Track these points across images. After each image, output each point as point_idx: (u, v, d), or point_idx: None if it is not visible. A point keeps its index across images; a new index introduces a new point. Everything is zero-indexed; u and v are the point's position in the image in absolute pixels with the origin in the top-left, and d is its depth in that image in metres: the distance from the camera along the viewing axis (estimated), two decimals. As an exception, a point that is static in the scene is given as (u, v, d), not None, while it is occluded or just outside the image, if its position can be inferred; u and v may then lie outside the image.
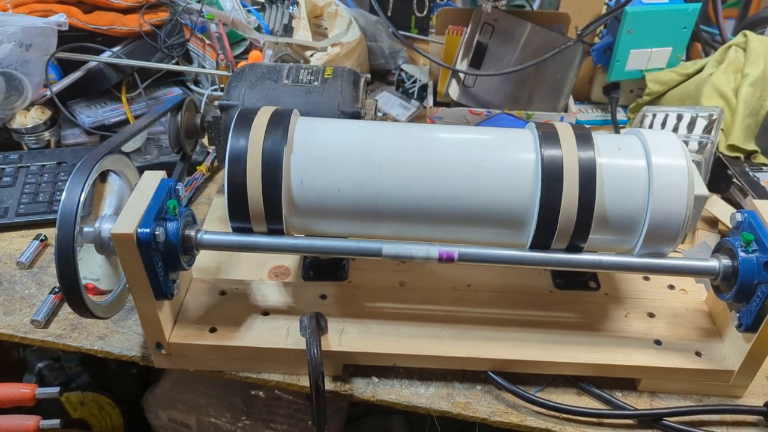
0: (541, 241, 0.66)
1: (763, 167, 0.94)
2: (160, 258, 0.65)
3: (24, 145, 1.02)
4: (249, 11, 1.11)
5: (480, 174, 0.66)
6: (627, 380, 0.72)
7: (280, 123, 0.67)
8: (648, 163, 0.65)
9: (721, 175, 0.96)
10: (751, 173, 0.92)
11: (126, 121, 1.04)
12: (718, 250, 0.68)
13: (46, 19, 0.97)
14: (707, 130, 0.87)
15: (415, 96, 1.17)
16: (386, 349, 0.71)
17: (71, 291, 0.63)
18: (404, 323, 0.74)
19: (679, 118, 0.89)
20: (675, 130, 0.89)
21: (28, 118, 1.02)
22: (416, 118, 1.16)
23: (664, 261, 0.66)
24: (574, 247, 0.66)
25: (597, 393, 0.71)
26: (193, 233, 0.67)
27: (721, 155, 0.96)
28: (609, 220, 0.65)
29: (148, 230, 0.62)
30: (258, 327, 0.73)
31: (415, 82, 1.18)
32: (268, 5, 1.11)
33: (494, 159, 0.66)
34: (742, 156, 0.95)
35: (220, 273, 0.82)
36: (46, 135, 1.02)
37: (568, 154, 0.64)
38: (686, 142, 0.87)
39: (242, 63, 1.06)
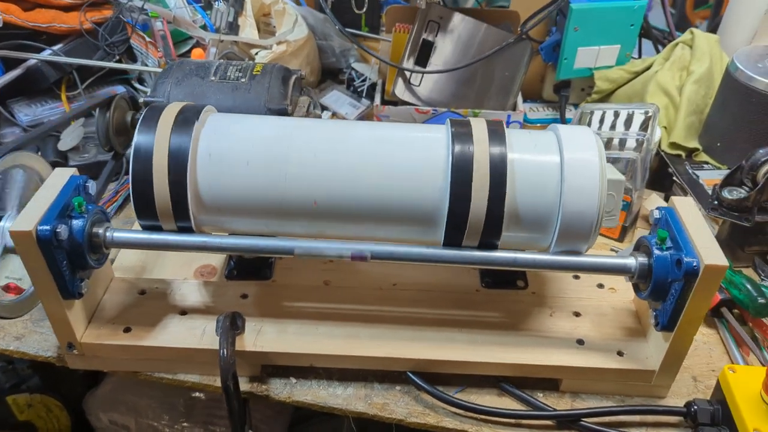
0: (453, 239, 0.65)
1: (705, 165, 0.92)
2: (65, 256, 0.64)
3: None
4: (195, 9, 1.10)
5: (391, 171, 0.64)
6: (550, 381, 0.71)
7: (188, 119, 0.66)
8: (561, 158, 0.63)
9: (663, 174, 0.95)
10: (691, 171, 0.91)
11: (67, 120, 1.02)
12: (637, 248, 0.67)
13: (-21, 17, 0.95)
14: (643, 127, 0.86)
15: (364, 95, 1.16)
16: (302, 349, 0.70)
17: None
18: (324, 323, 0.73)
19: (616, 115, 0.88)
20: (613, 127, 0.88)
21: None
22: (365, 117, 1.14)
23: (579, 258, 0.65)
24: (488, 245, 0.65)
25: (517, 393, 0.70)
26: (101, 231, 0.66)
27: (663, 153, 0.95)
28: (521, 216, 0.64)
29: (48, 228, 0.61)
30: (174, 327, 0.72)
31: (365, 80, 1.17)
32: (214, 2, 1.09)
33: (406, 156, 0.65)
34: (683, 154, 0.94)
35: (145, 272, 0.80)
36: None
37: (479, 151, 0.63)
38: (624, 140, 0.86)
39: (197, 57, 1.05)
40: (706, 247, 0.60)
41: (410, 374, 0.71)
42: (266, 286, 0.77)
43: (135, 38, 1.07)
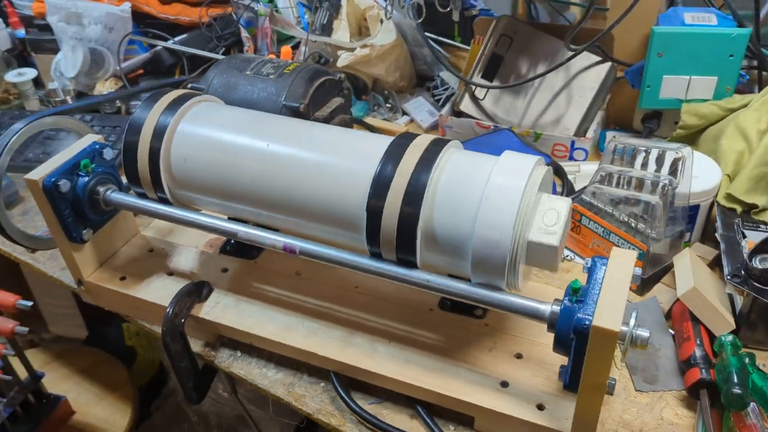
0: (374, 249, 0.65)
1: (761, 226, 0.78)
2: (68, 206, 0.77)
3: (101, 110, 1.23)
4: (298, 10, 1.20)
5: (327, 172, 0.66)
6: (466, 415, 0.67)
7: (177, 103, 0.74)
8: (485, 184, 0.60)
9: (710, 226, 0.82)
10: (738, 229, 0.77)
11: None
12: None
13: (120, 7, 1.15)
14: (672, 170, 0.75)
15: (442, 103, 1.16)
16: (244, 328, 0.75)
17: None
18: (275, 308, 0.77)
19: (647, 151, 0.78)
20: (644, 165, 0.78)
21: (105, 88, 1.22)
22: (435, 126, 1.15)
23: (490, 293, 0.61)
24: (406, 261, 0.64)
25: (427, 420, 0.67)
26: (102, 190, 0.78)
27: (717, 204, 0.82)
28: (437, 238, 0.62)
29: (53, 180, 0.74)
30: (157, 284, 0.82)
31: (447, 89, 1.17)
32: (318, 5, 1.18)
33: (344, 161, 0.67)
34: (739, 208, 0.80)
35: (170, 235, 0.91)
36: (118, 103, 1.22)
37: (403, 167, 0.62)
38: (644, 181, 0.76)
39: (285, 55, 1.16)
40: (608, 307, 0.53)
41: (333, 374, 0.72)
42: (247, 266, 0.83)
43: (242, 33, 1.20)
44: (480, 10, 1.17)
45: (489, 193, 0.59)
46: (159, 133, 0.72)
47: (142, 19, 1.26)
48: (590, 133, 1.00)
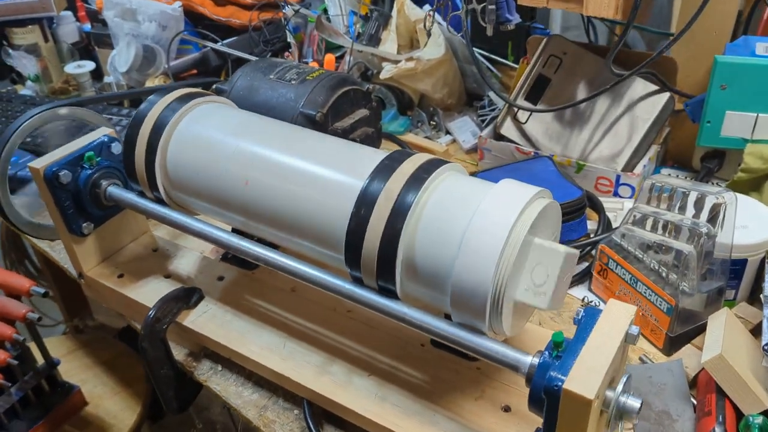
0: (354, 272, 0.60)
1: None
2: (69, 198, 0.76)
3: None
4: (348, 18, 1.17)
5: (309, 185, 0.62)
6: (439, 469, 0.61)
7: (186, 99, 0.72)
8: (472, 214, 0.54)
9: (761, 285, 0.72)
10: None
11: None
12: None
13: (172, 6, 1.16)
14: (711, 216, 0.66)
15: (486, 124, 1.09)
16: (225, 341, 0.72)
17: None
18: (261, 325, 0.73)
19: (686, 193, 0.68)
20: (682, 208, 0.69)
21: (155, 84, 1.23)
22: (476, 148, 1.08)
23: (467, 335, 0.54)
24: (386, 290, 0.59)
25: (396, 467, 0.61)
26: (105, 184, 0.77)
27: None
28: (417, 266, 0.56)
29: (54, 170, 0.74)
30: (151, 285, 0.80)
31: (494, 109, 1.10)
32: (369, 14, 1.14)
33: (331, 175, 0.62)
34: (795, 267, 0.69)
35: (180, 236, 0.90)
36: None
37: (389, 188, 0.57)
38: (679, 226, 0.67)
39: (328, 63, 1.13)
40: (586, 369, 0.46)
41: (306, 403, 0.67)
42: (244, 276, 0.80)
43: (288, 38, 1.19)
44: (534, 28, 1.10)
45: (474, 225, 0.52)
46: (158, 129, 0.70)
47: (200, 20, 1.27)
48: (638, 169, 0.90)
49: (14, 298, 0.98)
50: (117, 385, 1.16)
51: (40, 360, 1.06)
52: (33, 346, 1.04)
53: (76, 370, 1.18)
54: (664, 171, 0.97)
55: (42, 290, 0.96)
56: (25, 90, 1.37)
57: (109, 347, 1.24)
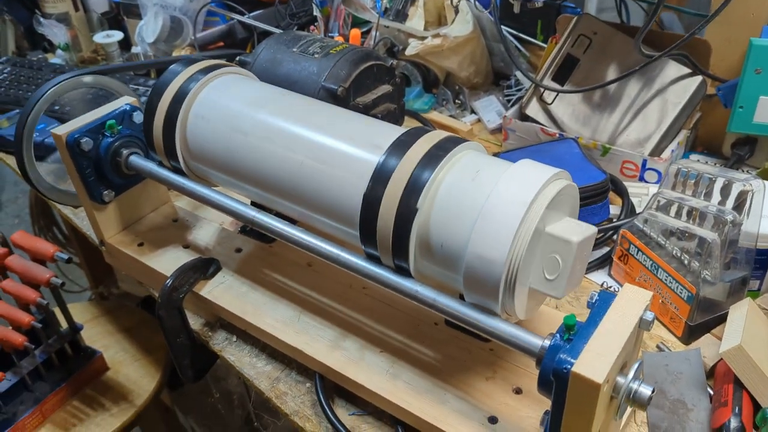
0: (368, 249, 0.60)
1: None
2: (90, 165, 0.77)
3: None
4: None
5: (326, 159, 0.61)
6: (448, 447, 0.60)
7: (208, 71, 0.72)
8: (489, 192, 0.53)
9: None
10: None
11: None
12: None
13: (199, -23, 1.16)
14: (737, 204, 0.64)
15: (511, 104, 1.07)
16: (240, 313, 0.72)
17: (20, 164, 0.79)
18: (276, 298, 0.73)
19: (713, 179, 0.67)
20: (708, 194, 0.67)
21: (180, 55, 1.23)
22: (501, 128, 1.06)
23: (479, 315, 0.54)
24: (400, 267, 0.58)
25: (404, 444, 0.61)
26: (126, 153, 0.77)
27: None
28: (431, 244, 0.55)
29: (75, 137, 0.74)
30: (170, 255, 0.80)
31: (520, 89, 1.08)
32: (398, -11, 1.13)
33: (347, 148, 0.61)
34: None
35: (200, 208, 0.90)
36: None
37: (404, 164, 0.56)
38: (704, 213, 0.65)
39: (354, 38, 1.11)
40: (596, 353, 0.45)
41: (317, 376, 0.67)
42: (261, 249, 0.80)
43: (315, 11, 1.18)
44: (564, 7, 1.07)
45: (490, 203, 0.52)
46: (179, 99, 0.70)
47: (228, -9, 1.27)
48: (666, 154, 0.88)
49: (39, 263, 1.00)
50: (138, 352, 1.18)
51: (64, 325, 1.08)
52: (57, 312, 1.07)
53: (98, 335, 1.20)
54: (693, 157, 0.94)
55: (66, 256, 0.98)
56: (55, 59, 1.38)
57: (132, 315, 1.26)
